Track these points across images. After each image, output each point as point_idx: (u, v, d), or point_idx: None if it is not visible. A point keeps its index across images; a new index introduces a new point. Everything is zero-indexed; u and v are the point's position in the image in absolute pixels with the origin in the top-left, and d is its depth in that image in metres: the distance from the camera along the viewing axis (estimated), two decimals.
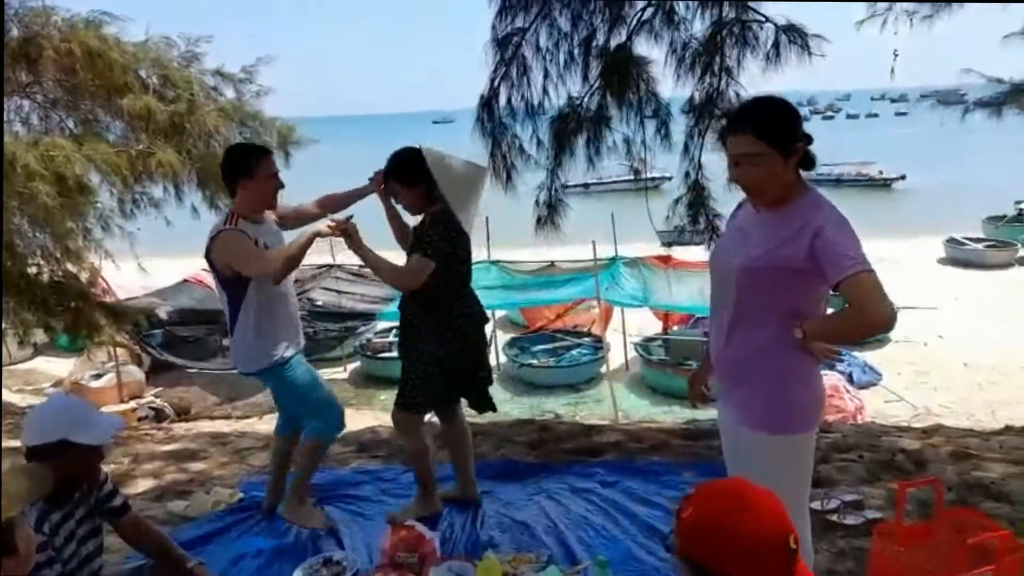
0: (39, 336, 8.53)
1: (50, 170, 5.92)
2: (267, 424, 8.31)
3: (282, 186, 3.28)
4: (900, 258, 17.39)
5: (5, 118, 6.85)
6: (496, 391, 12.39)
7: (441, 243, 3.06)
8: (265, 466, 4.53)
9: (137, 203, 7.20)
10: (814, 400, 2.16)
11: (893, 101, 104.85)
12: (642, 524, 3.30)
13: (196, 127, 6.67)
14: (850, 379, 10.72)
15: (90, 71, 6.33)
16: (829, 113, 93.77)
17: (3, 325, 8.77)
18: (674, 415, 8.98)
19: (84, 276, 7.58)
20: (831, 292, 2.06)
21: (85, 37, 6.22)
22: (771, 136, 1.99)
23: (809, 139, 2.07)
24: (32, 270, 7.21)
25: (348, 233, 3.01)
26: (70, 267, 7.39)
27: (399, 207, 3.33)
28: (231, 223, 3.13)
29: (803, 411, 2.13)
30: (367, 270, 12.08)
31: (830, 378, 10.14)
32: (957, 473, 3.66)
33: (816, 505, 3.21)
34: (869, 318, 1.93)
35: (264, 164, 3.19)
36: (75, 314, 7.49)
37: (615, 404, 9.84)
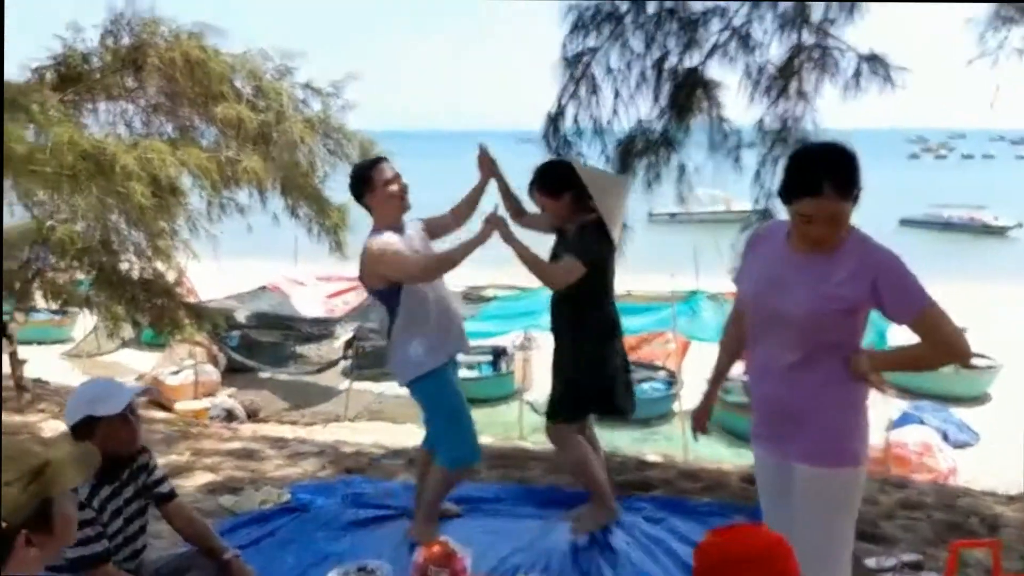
0: (127, 330, 8.94)
1: (146, 171, 6.23)
2: (330, 433, 8.44)
3: (405, 187, 3.25)
4: (1013, 310, 16.24)
5: (111, 120, 7.30)
6: None
7: (595, 249, 3.12)
8: (316, 471, 4.60)
9: (224, 207, 7.49)
10: (866, 433, 2.15)
11: (1014, 143, 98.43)
12: (680, 563, 3.14)
13: (283, 137, 6.91)
14: (944, 437, 9.99)
15: (190, 79, 6.65)
16: (942, 152, 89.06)
17: (94, 318, 9.26)
18: (742, 458, 8.59)
19: (172, 275, 7.94)
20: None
21: (187, 47, 6.54)
22: (852, 197, 1.95)
23: None
24: (124, 266, 7.60)
25: (499, 226, 3.07)
26: (159, 265, 7.75)
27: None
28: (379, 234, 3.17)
29: (860, 442, 2.13)
30: None
31: (922, 434, 9.49)
32: None
33: (872, 563, 3.01)
34: (947, 352, 2.03)
35: (378, 171, 3.23)
36: (160, 311, 7.84)
37: (685, 443, 9.49)
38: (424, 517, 3.37)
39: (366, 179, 3.21)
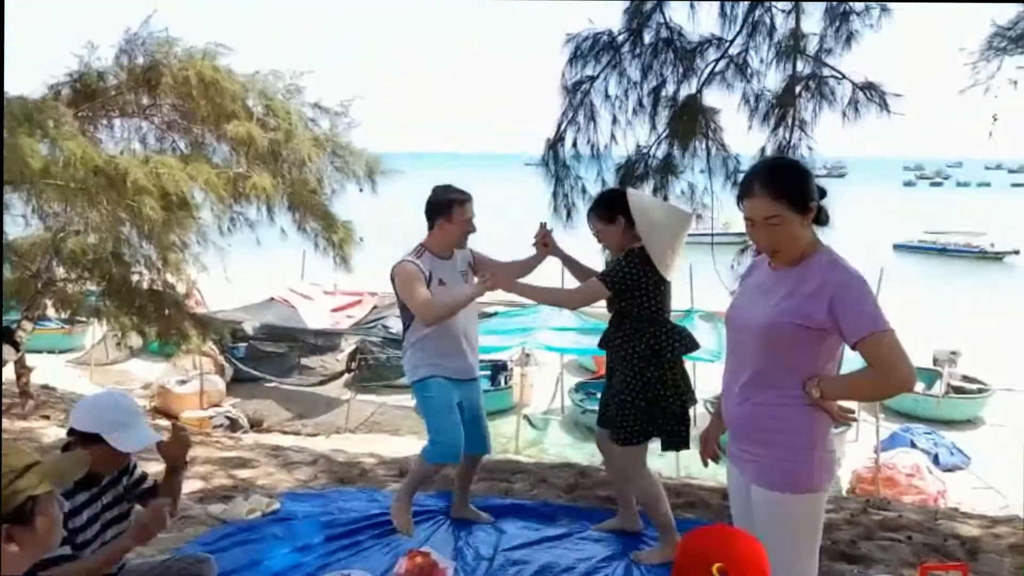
0: (135, 340, 9.06)
1: (156, 186, 6.39)
2: (331, 443, 8.56)
3: (474, 230, 3.52)
4: (1010, 336, 16.32)
5: (125, 136, 7.49)
6: (560, 436, 12.23)
7: (627, 274, 3.15)
8: (308, 481, 4.74)
9: (234, 221, 7.65)
10: (827, 460, 2.12)
11: (1011, 172, 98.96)
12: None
13: (291, 154, 7.09)
14: (935, 460, 10.07)
15: (203, 98, 6.82)
16: (937, 179, 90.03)
17: (104, 328, 9.38)
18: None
19: (181, 287, 8.09)
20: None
21: (201, 66, 6.71)
22: (787, 198, 2.00)
23: (823, 193, 2.08)
24: (135, 278, 7.75)
25: (497, 285, 3.28)
26: (169, 278, 7.89)
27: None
28: (415, 256, 3.44)
29: (816, 470, 2.09)
30: None
31: (913, 456, 9.57)
32: (1014, 567, 3.42)
33: None
34: (890, 379, 1.96)
35: (462, 210, 3.45)
36: (168, 322, 7.97)
37: (678, 460, 9.59)
38: (397, 500, 3.60)
39: (450, 209, 3.43)
